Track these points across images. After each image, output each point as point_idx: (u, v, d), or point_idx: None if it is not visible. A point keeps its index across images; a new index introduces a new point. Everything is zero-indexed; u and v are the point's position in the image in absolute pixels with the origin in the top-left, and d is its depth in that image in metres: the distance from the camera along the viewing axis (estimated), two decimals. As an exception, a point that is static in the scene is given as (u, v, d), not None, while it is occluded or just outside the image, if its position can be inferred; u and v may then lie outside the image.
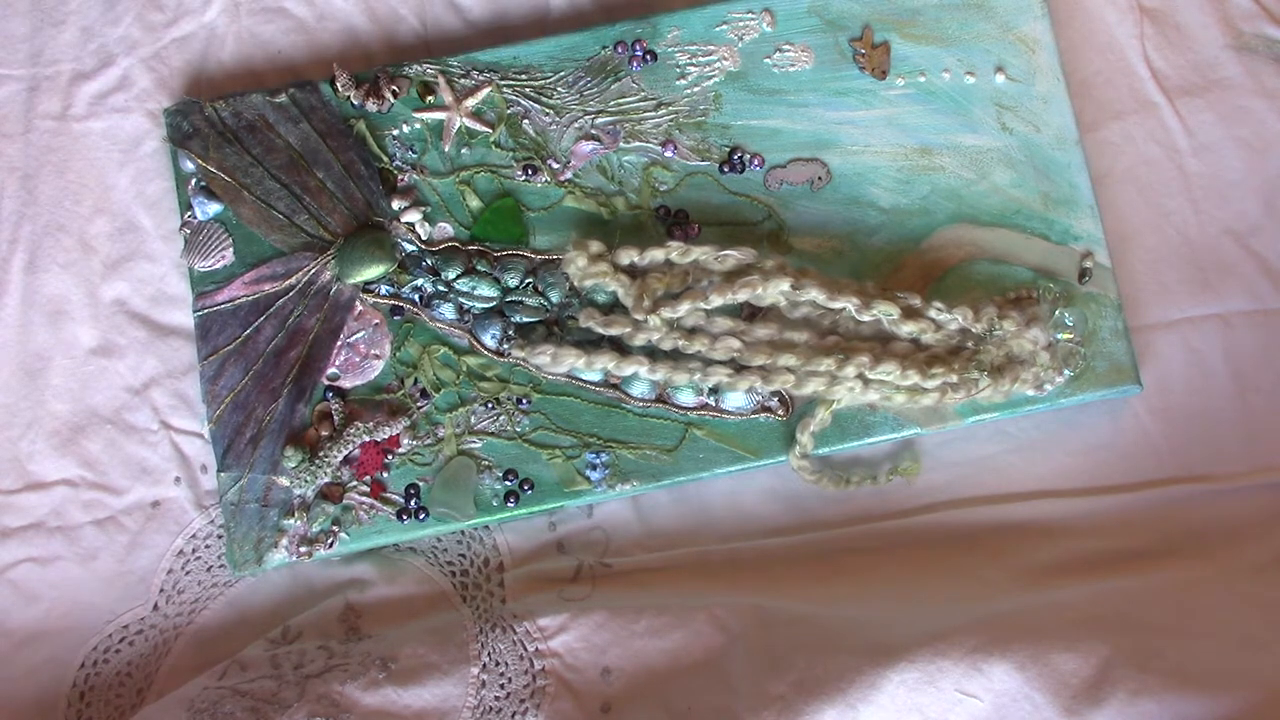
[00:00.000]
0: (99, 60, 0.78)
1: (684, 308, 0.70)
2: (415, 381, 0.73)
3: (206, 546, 0.74)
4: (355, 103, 0.75)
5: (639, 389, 0.72)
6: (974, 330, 0.70)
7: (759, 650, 0.68)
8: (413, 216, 0.74)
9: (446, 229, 0.74)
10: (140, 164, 0.77)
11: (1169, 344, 0.74)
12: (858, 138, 0.74)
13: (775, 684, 0.66)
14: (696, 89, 0.75)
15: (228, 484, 0.72)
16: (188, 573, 0.74)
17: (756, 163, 0.74)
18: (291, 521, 0.72)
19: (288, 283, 0.74)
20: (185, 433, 0.75)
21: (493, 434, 0.72)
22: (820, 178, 0.74)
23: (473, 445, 0.72)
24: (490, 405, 0.73)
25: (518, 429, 0.72)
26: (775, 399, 0.72)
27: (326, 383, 0.73)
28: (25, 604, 0.74)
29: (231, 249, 0.74)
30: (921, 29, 0.75)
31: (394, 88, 0.74)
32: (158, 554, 0.74)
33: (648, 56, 0.75)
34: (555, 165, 0.74)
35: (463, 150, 0.75)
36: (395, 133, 0.75)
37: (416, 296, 0.74)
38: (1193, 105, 0.76)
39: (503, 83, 0.75)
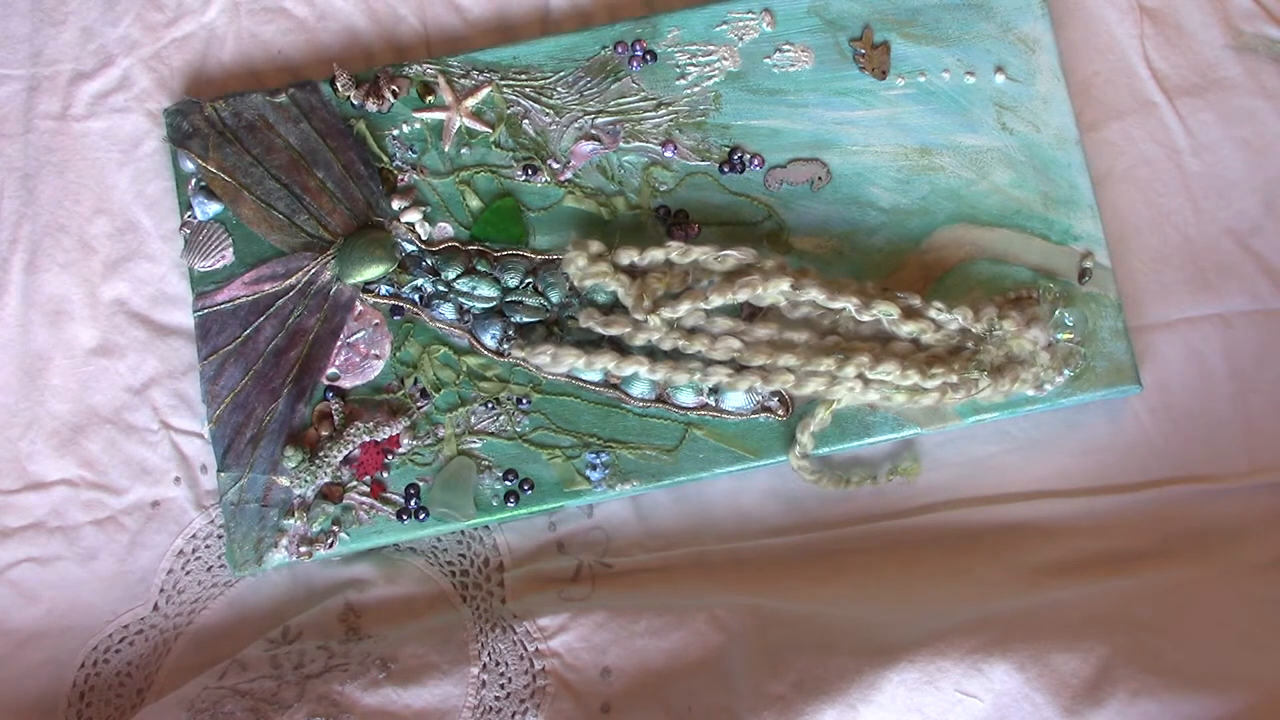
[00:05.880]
0: (99, 60, 0.78)
1: (684, 308, 0.70)
2: (415, 381, 0.73)
3: (206, 546, 0.74)
4: (355, 103, 0.75)
5: (639, 389, 0.72)
6: (974, 330, 0.70)
7: (759, 650, 0.68)
8: (413, 216, 0.74)
9: (446, 229, 0.74)
10: (140, 164, 0.77)
11: (1169, 344, 0.74)
12: (858, 138, 0.74)
13: (775, 684, 0.66)
14: (696, 89, 0.75)
15: (228, 484, 0.72)
16: (188, 573, 0.74)
17: (756, 163, 0.74)
18: (291, 521, 0.72)
19: (288, 283, 0.74)
20: (185, 433, 0.75)
21: (493, 434, 0.72)
22: (820, 178, 0.74)
23: (473, 445, 0.72)
24: (490, 405, 0.73)
25: (518, 429, 0.72)
26: (775, 399, 0.72)
27: (326, 383, 0.73)
28: (25, 604, 0.74)
29: (231, 249, 0.74)
30: (921, 29, 0.75)
31: (394, 88, 0.74)
32: (158, 554, 0.74)
33: (648, 56, 0.75)
34: (555, 165, 0.74)
35: (463, 150, 0.75)
36: (395, 133, 0.75)
37: (416, 296, 0.74)
38: (1193, 105, 0.76)
39: (503, 83, 0.75)
